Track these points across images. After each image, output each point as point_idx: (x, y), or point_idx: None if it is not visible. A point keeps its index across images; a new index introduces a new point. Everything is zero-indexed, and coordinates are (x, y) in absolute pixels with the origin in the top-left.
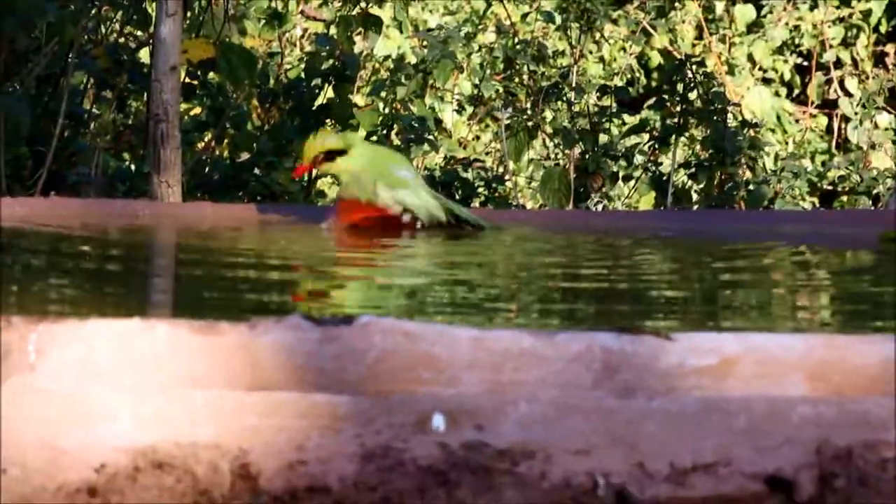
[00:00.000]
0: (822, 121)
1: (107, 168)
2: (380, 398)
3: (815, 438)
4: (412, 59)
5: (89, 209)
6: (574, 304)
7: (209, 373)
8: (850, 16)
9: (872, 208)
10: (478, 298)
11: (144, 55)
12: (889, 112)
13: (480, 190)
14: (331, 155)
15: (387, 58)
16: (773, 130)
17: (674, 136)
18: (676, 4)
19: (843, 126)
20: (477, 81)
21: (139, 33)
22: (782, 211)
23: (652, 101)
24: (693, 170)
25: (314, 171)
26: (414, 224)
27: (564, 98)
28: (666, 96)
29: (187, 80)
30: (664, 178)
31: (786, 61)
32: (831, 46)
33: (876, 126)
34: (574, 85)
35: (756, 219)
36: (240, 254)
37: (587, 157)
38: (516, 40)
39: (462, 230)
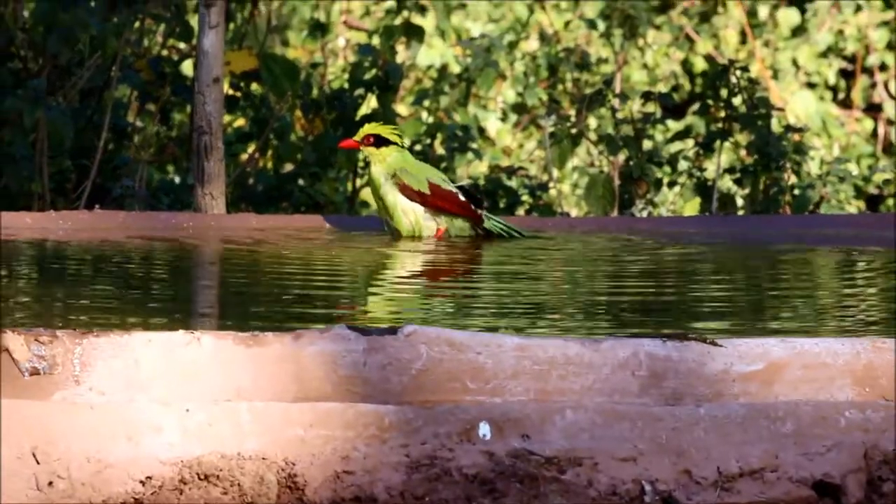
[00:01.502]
0: (868, 125)
1: (151, 180)
2: (425, 408)
3: (863, 443)
4: (455, 68)
5: (134, 222)
6: (619, 311)
7: (254, 384)
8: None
9: None
10: (523, 307)
11: (187, 67)
12: None
13: (525, 197)
14: (379, 142)
15: (430, 67)
16: (817, 135)
17: (718, 142)
18: (720, 9)
19: (888, 130)
20: (520, 89)
21: (182, 45)
22: (828, 215)
23: (696, 106)
24: (738, 175)
25: (360, 153)
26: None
27: (608, 105)
28: (710, 101)
29: (230, 91)
30: (709, 183)
31: (830, 65)
32: (876, 50)
33: None
34: (618, 91)
35: (802, 223)
36: (285, 264)
37: (632, 163)
38: (559, 48)
39: (491, 239)
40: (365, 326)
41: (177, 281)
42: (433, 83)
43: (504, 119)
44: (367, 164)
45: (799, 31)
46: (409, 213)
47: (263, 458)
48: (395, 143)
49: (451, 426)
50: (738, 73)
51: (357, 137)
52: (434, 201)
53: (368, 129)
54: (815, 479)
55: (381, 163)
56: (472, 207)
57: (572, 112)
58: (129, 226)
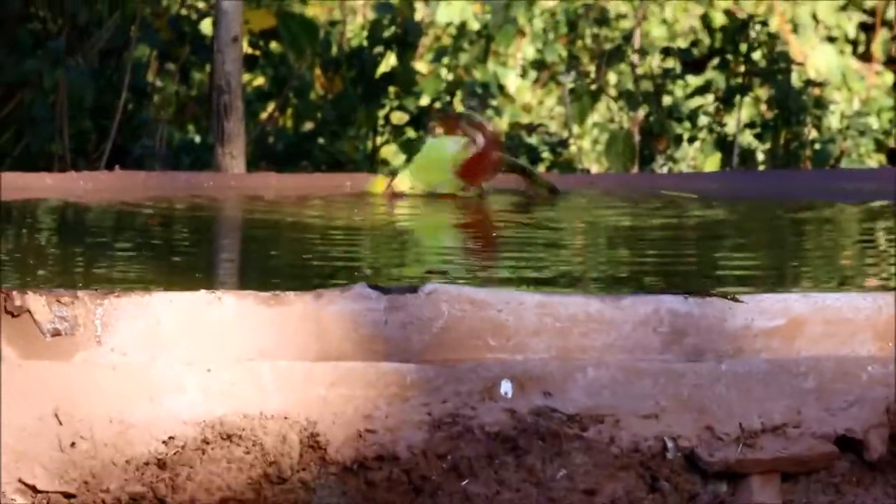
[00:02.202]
0: (888, 78)
1: (171, 140)
2: (447, 366)
3: (885, 398)
4: (474, 25)
5: (154, 182)
6: (641, 266)
7: (276, 344)
8: None
9: None
10: (546, 263)
11: (206, 26)
12: None
13: (545, 154)
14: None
15: (449, 24)
16: (838, 89)
17: (738, 97)
18: None
19: None
20: (540, 46)
21: (201, 4)
22: (849, 169)
23: (716, 61)
24: (758, 130)
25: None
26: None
27: (628, 61)
28: (730, 56)
29: (249, 50)
30: (729, 138)
31: (850, 19)
32: None
33: None
34: (637, 47)
35: (822, 178)
36: (305, 223)
37: (651, 119)
38: (578, 4)
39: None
40: (385, 285)
41: (198, 241)
42: (452, 40)
43: (524, 76)
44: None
45: None
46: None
47: (286, 418)
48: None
49: (473, 384)
50: (758, 27)
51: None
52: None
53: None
54: (838, 434)
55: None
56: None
57: (592, 68)
58: (150, 186)
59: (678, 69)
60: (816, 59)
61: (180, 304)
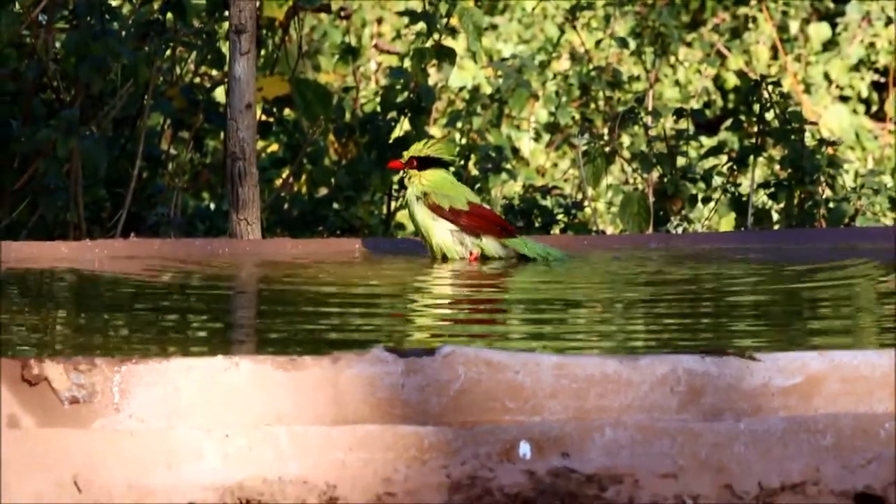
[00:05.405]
0: None
1: (186, 208)
2: (465, 428)
3: None
4: (487, 89)
5: (170, 249)
6: (658, 326)
7: (294, 408)
8: None
9: None
10: (561, 325)
11: (220, 94)
12: None
13: (560, 217)
14: (422, 164)
15: (462, 88)
16: (851, 148)
17: (752, 157)
18: (750, 25)
19: None
20: (553, 109)
21: (214, 73)
22: (863, 228)
23: (729, 122)
24: (772, 190)
25: (402, 173)
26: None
27: (641, 122)
28: (743, 117)
29: (263, 117)
30: (743, 198)
31: (862, 78)
32: None
33: None
34: (650, 109)
35: (837, 236)
36: (321, 288)
37: (666, 180)
38: (591, 67)
39: (527, 261)
40: (402, 349)
41: (214, 307)
42: (465, 105)
43: (537, 139)
44: (403, 185)
45: (830, 45)
46: (437, 232)
47: (305, 482)
48: (444, 165)
49: (491, 446)
50: (770, 88)
51: (403, 158)
52: (467, 219)
53: (414, 150)
54: (857, 491)
55: (417, 184)
56: (507, 225)
57: (605, 130)
58: (165, 253)
59: (691, 130)
60: (829, 118)
61: (197, 369)
